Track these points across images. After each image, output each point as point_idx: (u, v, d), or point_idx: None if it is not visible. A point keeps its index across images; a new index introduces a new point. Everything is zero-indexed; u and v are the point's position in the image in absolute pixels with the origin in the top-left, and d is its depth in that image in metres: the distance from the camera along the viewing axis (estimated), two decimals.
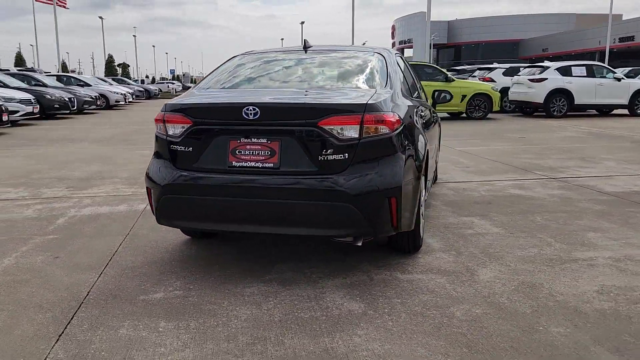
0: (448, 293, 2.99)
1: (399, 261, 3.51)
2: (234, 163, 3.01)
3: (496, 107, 15.84)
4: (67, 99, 16.76)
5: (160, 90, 38.64)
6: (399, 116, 3.15)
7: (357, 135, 2.92)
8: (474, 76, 19.64)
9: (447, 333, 2.52)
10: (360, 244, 3.12)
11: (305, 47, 3.98)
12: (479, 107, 15.82)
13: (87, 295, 2.99)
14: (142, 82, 49.55)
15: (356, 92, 3.26)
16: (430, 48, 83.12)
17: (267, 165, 2.97)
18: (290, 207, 2.91)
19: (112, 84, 25.50)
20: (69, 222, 4.55)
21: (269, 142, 2.96)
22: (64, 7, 43.65)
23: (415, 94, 4.38)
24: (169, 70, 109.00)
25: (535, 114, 17.60)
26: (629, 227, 4.26)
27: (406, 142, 3.19)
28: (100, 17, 55.33)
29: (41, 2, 41.61)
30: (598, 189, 5.73)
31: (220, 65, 3.94)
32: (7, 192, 5.80)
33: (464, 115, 15.89)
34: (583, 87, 15.82)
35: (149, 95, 35.50)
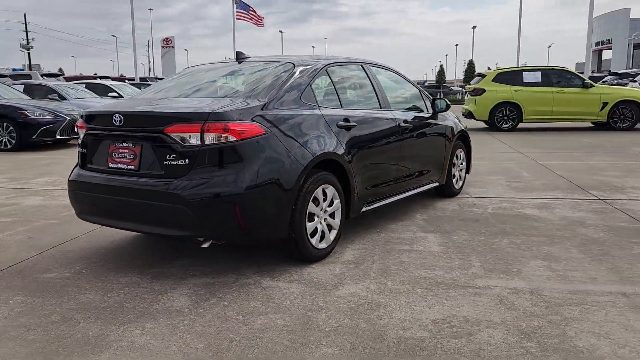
0: (281, 303, 2.99)
1: (283, 268, 3.56)
2: (110, 164, 3.40)
3: None
4: None
5: None
6: (260, 126, 3.22)
7: (198, 143, 3.09)
8: (635, 81, 17.20)
9: (223, 337, 2.59)
10: (206, 245, 3.26)
11: (238, 58, 4.20)
12: (625, 116, 13.86)
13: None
14: None
15: (220, 101, 3.41)
16: (631, 49, 73.50)
17: (130, 167, 3.30)
18: (143, 207, 3.21)
19: None
20: None
21: (133, 146, 3.29)
22: (261, 25, 48.38)
23: (357, 106, 4.30)
24: None
25: None
26: (599, 262, 3.65)
27: (267, 151, 3.24)
28: (280, 31, 60.10)
29: (242, 19, 46.52)
30: (636, 216, 4.88)
31: (170, 76, 4.36)
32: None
33: (608, 125, 13.93)
34: None
35: None
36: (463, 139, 5.96)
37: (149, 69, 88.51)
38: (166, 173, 3.15)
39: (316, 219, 3.63)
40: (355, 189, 3.99)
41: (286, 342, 2.53)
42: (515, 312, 2.83)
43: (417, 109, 5.23)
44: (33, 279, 3.40)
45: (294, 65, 3.86)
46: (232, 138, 3.11)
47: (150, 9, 74.15)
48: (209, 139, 3.09)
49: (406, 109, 5.05)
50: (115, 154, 3.39)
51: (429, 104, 5.38)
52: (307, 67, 3.89)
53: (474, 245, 4.04)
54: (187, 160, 3.10)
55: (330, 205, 3.77)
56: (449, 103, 5.34)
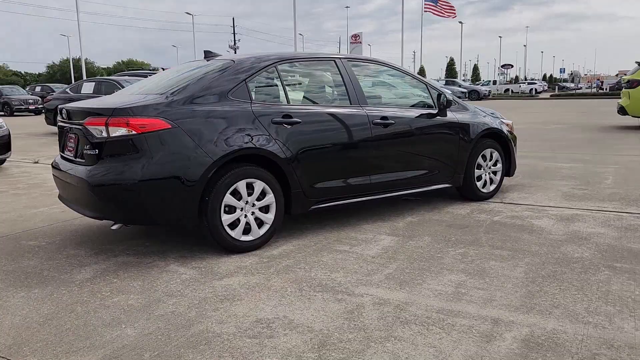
0: (156, 287, 3.22)
1: (202, 256, 3.76)
2: (65, 152, 3.96)
3: None
4: None
5: (489, 92, 38.17)
6: (165, 121, 3.47)
7: (105, 135, 3.46)
8: None
9: (70, 308, 2.94)
10: (115, 227, 3.61)
11: (206, 57, 4.46)
12: None
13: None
14: (488, 82, 49.69)
15: (142, 97, 3.70)
16: None
17: (70, 156, 3.81)
18: (73, 191, 3.71)
19: None
20: None
21: (75, 137, 3.79)
22: (451, 16, 47.85)
23: (310, 102, 4.26)
24: (559, 70, 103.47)
25: None
26: (527, 285, 3.17)
27: (171, 145, 3.47)
28: (460, 22, 58.02)
29: (430, 11, 46.43)
30: None
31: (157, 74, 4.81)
32: None
33: None
34: None
35: (478, 96, 35.80)
36: (496, 137, 5.40)
37: None
38: (86, 161, 3.58)
39: (238, 211, 3.74)
40: (299, 186, 3.99)
41: (107, 320, 2.76)
42: (346, 322, 2.67)
43: (417, 105, 4.93)
44: (19, 245, 4.12)
45: (233, 63, 3.99)
46: (132, 132, 3.41)
47: (347, 7, 76.98)
48: (113, 132, 3.43)
49: (398, 106, 4.80)
50: (67, 143, 3.93)
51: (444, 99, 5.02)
52: (247, 65, 3.99)
53: (419, 253, 3.75)
54: (97, 151, 3.49)
55: (260, 199, 3.84)
56: (450, 99, 4.90)
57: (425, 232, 4.24)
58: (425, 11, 48.14)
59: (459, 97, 32.18)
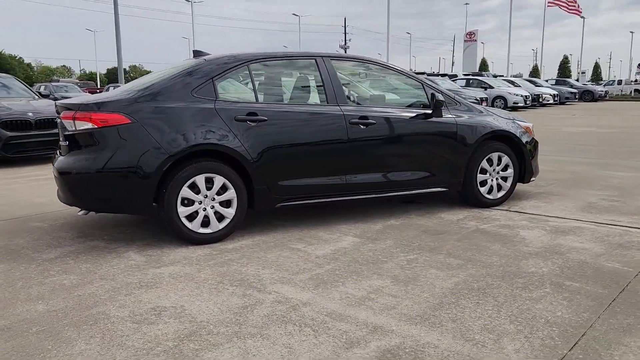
0: (96, 269, 3.48)
1: (161, 245, 3.97)
2: (60, 142, 4.36)
3: None
4: None
5: (605, 93, 34.79)
6: (125, 116, 3.73)
7: (74, 128, 3.79)
8: None
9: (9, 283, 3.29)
10: (80, 213, 3.91)
11: (195, 56, 4.65)
12: None
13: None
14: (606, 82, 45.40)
15: (114, 94, 3.97)
16: None
17: (62, 142, 4.16)
18: (55, 179, 4.09)
19: (510, 86, 25.55)
20: None
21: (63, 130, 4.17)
22: (575, 13, 45.31)
23: (281, 101, 4.33)
24: None
25: None
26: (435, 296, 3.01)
27: (129, 138, 3.71)
28: (583, 17, 53.70)
29: (555, 5, 44.14)
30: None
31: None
32: None
33: None
34: None
35: (592, 97, 33.01)
36: (507, 140, 5.07)
37: (452, 63, 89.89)
38: (62, 152, 3.94)
39: (196, 204, 3.90)
40: (262, 183, 4.06)
41: (32, 296, 3.04)
42: (232, 316, 2.72)
43: (413, 105, 4.79)
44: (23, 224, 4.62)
45: (204, 62, 4.14)
46: (94, 126, 3.69)
47: (466, 4, 74.56)
48: (79, 125, 3.74)
49: (386, 105, 4.68)
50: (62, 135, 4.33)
51: (447, 99, 4.83)
52: (217, 64, 4.12)
53: (367, 256, 3.67)
54: (67, 142, 3.82)
55: (221, 194, 3.97)
56: (439, 99, 4.66)
57: (394, 236, 4.12)
58: (549, 6, 45.55)
59: (567, 97, 30.08)
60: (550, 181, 6.32)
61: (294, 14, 51.81)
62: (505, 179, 5.12)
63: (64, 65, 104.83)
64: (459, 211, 4.90)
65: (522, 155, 5.17)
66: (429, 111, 4.70)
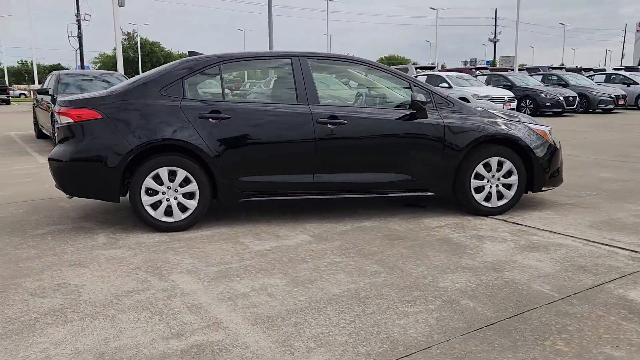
0: (41, 248, 3.97)
1: (126, 230, 4.35)
2: None
3: None
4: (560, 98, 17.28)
5: None
6: (97, 112, 4.16)
7: (60, 122, 4.31)
8: None
9: None
10: (67, 197, 4.41)
11: (189, 55, 4.94)
12: None
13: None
14: None
15: (98, 91, 4.40)
16: None
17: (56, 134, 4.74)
18: None
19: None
20: None
21: None
22: None
23: (246, 100, 4.42)
24: None
25: None
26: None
27: (99, 132, 4.13)
28: None
29: None
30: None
31: None
32: None
33: None
34: None
35: None
36: (511, 145, 4.66)
37: (622, 56, 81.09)
38: (56, 143, 4.50)
39: (160, 195, 4.22)
40: (224, 178, 4.25)
41: None
42: (105, 297, 2.96)
43: (401, 105, 4.63)
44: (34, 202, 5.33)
45: (180, 62, 4.42)
46: (71, 120, 4.18)
47: None
48: (62, 119, 4.25)
49: (365, 105, 4.58)
50: None
51: (438, 99, 4.61)
52: (189, 64, 4.36)
53: (296, 256, 3.69)
54: (56, 134, 4.36)
55: (184, 186, 4.24)
56: (421, 100, 4.40)
57: (348, 238, 4.05)
58: None
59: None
60: (597, 191, 5.63)
61: (431, 8, 50.43)
62: (508, 186, 4.70)
63: None
64: (448, 218, 4.63)
65: (532, 162, 4.70)
66: (407, 112, 4.50)
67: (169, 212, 4.25)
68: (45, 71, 61.69)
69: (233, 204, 4.46)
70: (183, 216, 4.26)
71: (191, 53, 4.99)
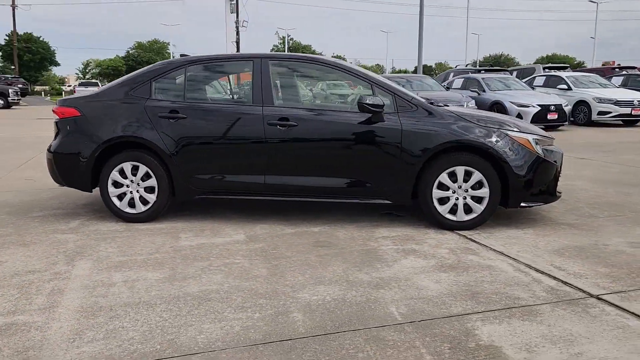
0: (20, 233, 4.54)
1: (98, 220, 4.80)
2: None
3: None
4: None
5: None
6: (77, 109, 4.66)
7: (55, 118, 4.90)
8: None
9: None
10: (57, 185, 4.97)
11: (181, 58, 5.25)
12: None
13: None
14: None
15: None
16: None
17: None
18: None
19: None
20: None
21: None
22: None
23: (204, 100, 4.63)
24: None
25: None
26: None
27: (77, 128, 4.62)
28: None
29: None
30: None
31: None
32: None
33: None
34: None
35: None
36: (482, 153, 4.26)
37: None
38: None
39: (124, 187, 4.60)
40: (179, 174, 4.50)
41: None
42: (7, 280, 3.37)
43: (348, 108, 4.48)
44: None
45: (154, 65, 4.74)
46: (58, 117, 4.73)
47: None
48: (55, 116, 4.83)
49: (322, 107, 4.51)
50: None
51: (400, 102, 4.40)
52: (160, 66, 4.66)
53: (213, 252, 3.80)
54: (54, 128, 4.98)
55: (145, 180, 4.57)
56: (375, 103, 4.16)
57: (277, 242, 4.04)
58: None
59: None
60: (623, 212, 4.86)
61: (591, 1, 45.76)
62: (478, 199, 4.28)
63: (377, 64, 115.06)
64: (406, 229, 4.36)
65: (506, 173, 4.23)
66: (360, 115, 4.32)
67: (132, 204, 4.59)
68: None
69: (189, 200, 4.68)
70: (144, 208, 4.58)
71: (182, 56, 5.30)
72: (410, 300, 2.93)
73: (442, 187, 4.29)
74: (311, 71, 4.89)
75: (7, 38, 58.04)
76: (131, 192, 4.57)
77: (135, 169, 4.54)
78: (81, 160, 4.57)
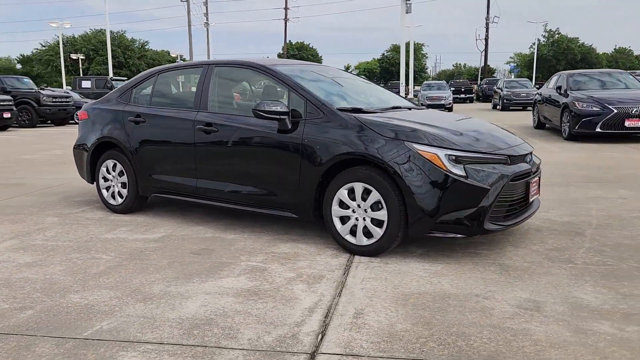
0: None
1: (87, 210, 5.57)
2: None
3: None
4: None
5: None
6: (87, 113, 5.53)
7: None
8: None
9: None
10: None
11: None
12: None
13: None
14: None
15: None
16: None
17: None
18: None
19: None
20: None
21: None
22: None
23: (162, 105, 4.92)
24: None
25: None
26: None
27: (85, 129, 5.45)
28: None
29: None
30: None
31: None
32: None
33: None
34: None
35: None
36: (380, 168, 3.68)
37: None
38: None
39: (109, 182, 5.29)
40: (140, 173, 4.99)
41: None
42: None
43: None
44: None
45: (141, 73, 5.28)
46: (79, 119, 5.69)
47: None
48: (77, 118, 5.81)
49: (237, 113, 4.46)
50: None
51: (310, 108, 4.10)
52: (142, 74, 5.21)
53: (112, 246, 4.20)
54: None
55: (120, 176, 5.20)
56: (277, 109, 3.89)
57: (179, 244, 4.17)
58: None
59: None
60: (621, 260, 3.58)
61: None
62: (378, 222, 3.69)
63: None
64: (326, 249, 4.02)
65: (401, 194, 3.56)
66: (270, 122, 4.11)
67: (113, 196, 5.26)
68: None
69: (148, 196, 5.10)
70: (120, 201, 5.20)
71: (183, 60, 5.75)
72: (127, 318, 2.82)
73: (343, 205, 3.82)
74: (246, 76, 4.81)
75: (281, 51, 66.83)
76: (114, 187, 5.22)
77: (115, 166, 5.16)
78: (83, 157, 5.41)
